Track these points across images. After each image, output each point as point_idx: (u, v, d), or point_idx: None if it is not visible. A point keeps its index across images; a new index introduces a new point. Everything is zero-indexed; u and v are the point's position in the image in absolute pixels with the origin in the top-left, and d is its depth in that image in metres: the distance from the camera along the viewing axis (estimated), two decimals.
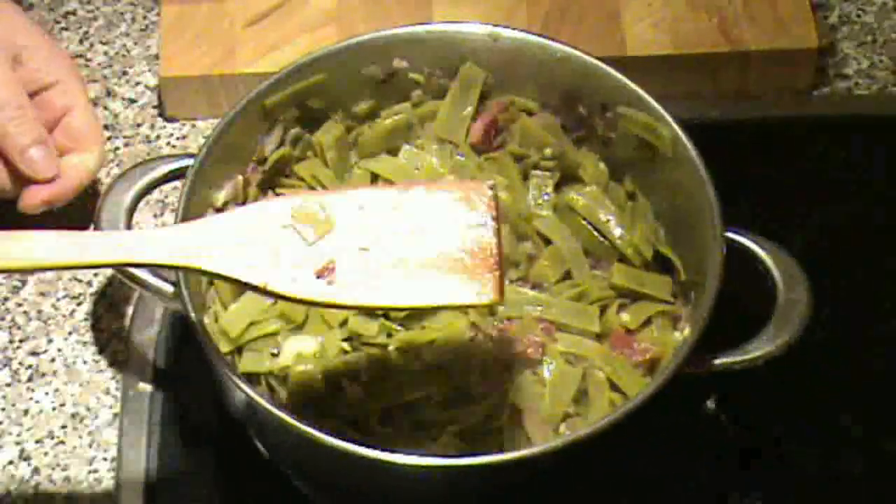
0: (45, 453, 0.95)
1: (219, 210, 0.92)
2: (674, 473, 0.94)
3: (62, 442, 0.96)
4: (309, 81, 0.94)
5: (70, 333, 1.00)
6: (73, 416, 0.97)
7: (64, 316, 1.01)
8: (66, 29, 1.13)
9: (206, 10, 1.10)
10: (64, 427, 0.96)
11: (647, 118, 0.92)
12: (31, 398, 0.97)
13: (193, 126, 1.09)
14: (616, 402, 0.88)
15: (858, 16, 1.14)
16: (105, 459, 0.95)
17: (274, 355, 0.90)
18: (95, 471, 0.95)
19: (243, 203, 0.93)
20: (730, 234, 0.87)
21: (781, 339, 0.85)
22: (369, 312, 0.89)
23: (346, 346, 0.89)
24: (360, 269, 0.79)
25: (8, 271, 0.83)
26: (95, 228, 0.89)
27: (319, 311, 0.90)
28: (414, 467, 0.81)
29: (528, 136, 0.96)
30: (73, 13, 1.14)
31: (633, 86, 0.92)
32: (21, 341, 1.00)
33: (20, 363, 0.99)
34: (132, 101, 1.10)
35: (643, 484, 0.93)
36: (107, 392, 0.98)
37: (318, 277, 0.79)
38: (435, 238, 0.79)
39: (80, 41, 1.12)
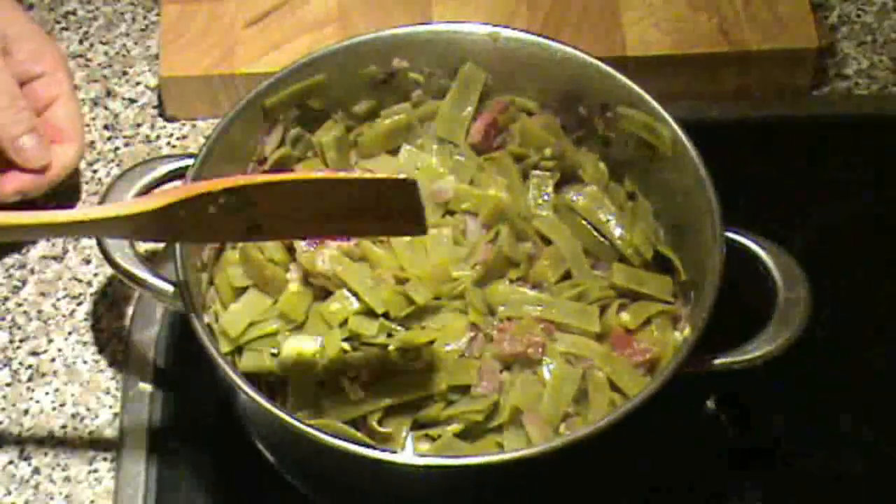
0: (45, 453, 0.95)
1: None
2: (673, 473, 0.94)
3: (62, 442, 0.96)
4: (309, 81, 0.94)
5: (70, 333, 1.00)
6: (73, 416, 0.97)
7: (64, 316, 1.01)
8: (66, 29, 1.13)
9: (206, 10, 1.10)
10: (64, 427, 0.96)
11: (646, 118, 0.92)
12: (31, 398, 0.97)
13: (193, 126, 1.09)
14: (616, 402, 0.88)
15: (858, 16, 1.14)
16: (105, 459, 0.95)
17: (274, 355, 0.90)
18: (95, 471, 0.95)
19: None
20: (730, 234, 0.87)
21: (781, 339, 0.85)
22: (369, 312, 0.89)
23: (346, 346, 0.89)
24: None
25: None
26: None
27: (319, 310, 0.90)
28: (414, 467, 0.82)
29: (528, 136, 0.96)
30: (73, 13, 1.14)
31: (633, 86, 0.92)
32: (21, 341, 1.00)
33: (20, 363, 0.99)
34: (132, 101, 1.10)
35: (643, 484, 0.93)
36: (107, 392, 0.98)
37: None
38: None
39: (80, 41, 1.12)
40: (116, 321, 1.00)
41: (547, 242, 0.95)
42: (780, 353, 0.85)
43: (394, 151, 0.97)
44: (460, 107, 0.96)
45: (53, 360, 0.99)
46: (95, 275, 1.02)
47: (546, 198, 0.96)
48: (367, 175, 0.90)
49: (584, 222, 0.95)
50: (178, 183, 0.91)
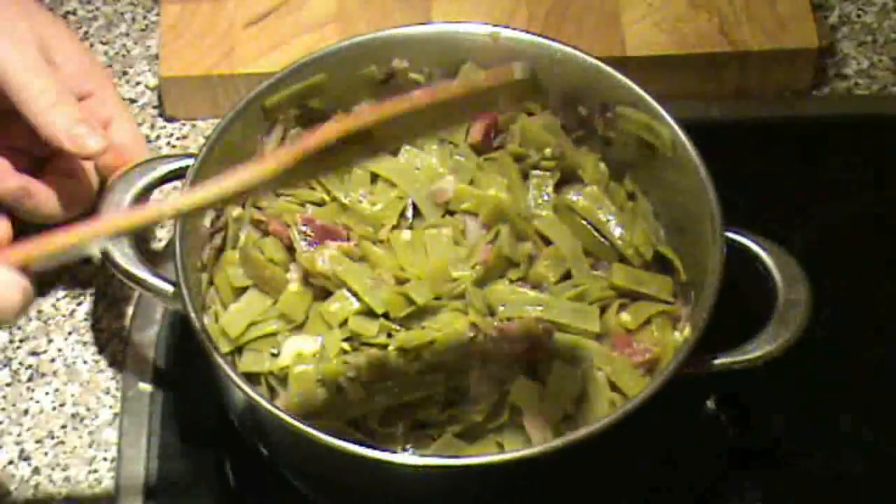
0: (45, 453, 0.95)
1: (219, 211, 0.92)
2: (674, 473, 0.94)
3: (62, 442, 0.96)
4: (309, 81, 0.94)
5: (70, 333, 1.00)
6: (73, 416, 0.97)
7: (64, 316, 1.01)
8: None
9: (206, 10, 1.10)
10: (64, 427, 0.96)
11: (646, 118, 0.92)
12: (31, 398, 0.97)
13: (193, 126, 1.09)
14: (616, 402, 0.88)
15: (858, 16, 1.14)
16: (105, 459, 0.95)
17: (274, 355, 0.90)
18: (95, 471, 0.95)
19: (242, 205, 0.93)
20: (730, 234, 0.87)
21: (781, 340, 0.85)
22: (369, 312, 0.89)
23: (346, 345, 0.89)
24: None
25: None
26: None
27: (319, 310, 0.90)
28: (414, 467, 0.82)
29: (528, 136, 0.96)
30: (73, 13, 1.14)
31: (633, 86, 0.92)
32: (21, 341, 1.00)
33: (20, 363, 0.99)
34: (132, 101, 1.10)
35: (643, 484, 0.93)
36: (107, 392, 0.98)
37: None
38: None
39: (80, 41, 1.12)
40: (116, 321, 1.00)
41: (547, 242, 0.94)
42: (781, 353, 0.85)
43: (394, 151, 0.97)
44: None
45: (53, 360, 0.99)
46: (95, 275, 1.02)
47: (546, 198, 0.96)
48: (482, 82, 0.86)
49: (584, 222, 0.95)
50: (178, 183, 0.92)
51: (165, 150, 1.08)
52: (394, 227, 0.94)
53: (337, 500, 0.91)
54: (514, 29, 0.95)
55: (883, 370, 0.98)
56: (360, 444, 0.81)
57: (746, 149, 1.07)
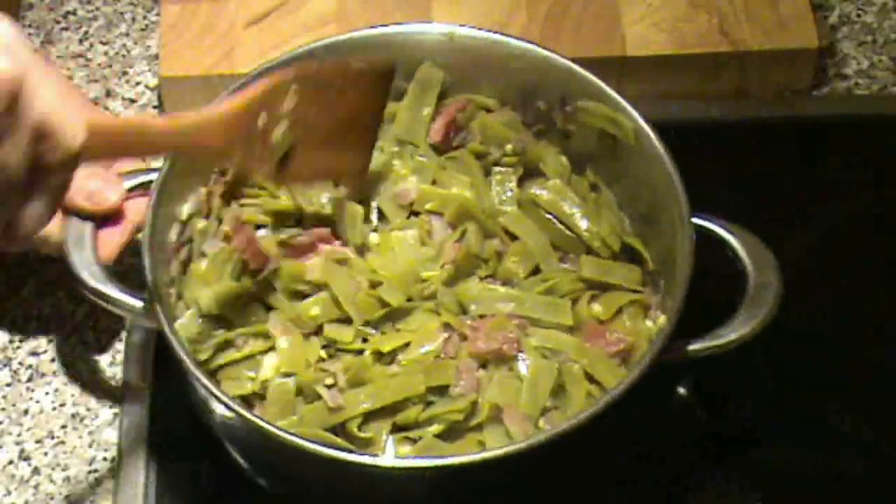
0: (45, 453, 0.95)
1: (183, 224, 0.91)
2: (650, 463, 0.93)
3: (62, 442, 0.96)
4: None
5: (70, 333, 1.00)
6: (73, 416, 0.97)
7: (64, 316, 1.01)
8: (66, 29, 1.13)
9: (206, 10, 1.10)
10: (64, 427, 0.96)
11: (607, 110, 0.91)
12: (31, 398, 0.98)
13: None
14: (594, 393, 0.88)
15: (858, 16, 1.14)
16: (105, 459, 0.95)
17: (252, 379, 0.89)
18: (95, 471, 0.95)
19: (207, 216, 0.93)
20: (697, 220, 0.87)
21: (754, 322, 0.85)
22: (344, 319, 0.90)
23: (322, 353, 0.89)
24: None
25: None
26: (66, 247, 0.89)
27: (297, 311, 0.90)
28: (396, 470, 0.82)
29: (489, 133, 0.96)
30: (73, 13, 1.14)
31: (592, 78, 0.92)
32: (21, 341, 1.00)
33: (20, 363, 0.99)
34: (132, 101, 1.10)
35: (623, 474, 0.92)
36: (107, 392, 0.98)
37: None
38: None
39: (80, 41, 1.13)
40: (116, 321, 1.00)
41: (514, 238, 0.94)
42: (753, 336, 0.84)
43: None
44: (419, 107, 0.96)
45: (53, 360, 0.99)
46: None
47: (510, 193, 0.96)
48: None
49: (549, 216, 0.95)
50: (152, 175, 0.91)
51: None
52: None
53: None
54: (469, 27, 0.95)
55: (883, 370, 0.98)
56: (342, 449, 0.81)
57: (746, 149, 1.07)
